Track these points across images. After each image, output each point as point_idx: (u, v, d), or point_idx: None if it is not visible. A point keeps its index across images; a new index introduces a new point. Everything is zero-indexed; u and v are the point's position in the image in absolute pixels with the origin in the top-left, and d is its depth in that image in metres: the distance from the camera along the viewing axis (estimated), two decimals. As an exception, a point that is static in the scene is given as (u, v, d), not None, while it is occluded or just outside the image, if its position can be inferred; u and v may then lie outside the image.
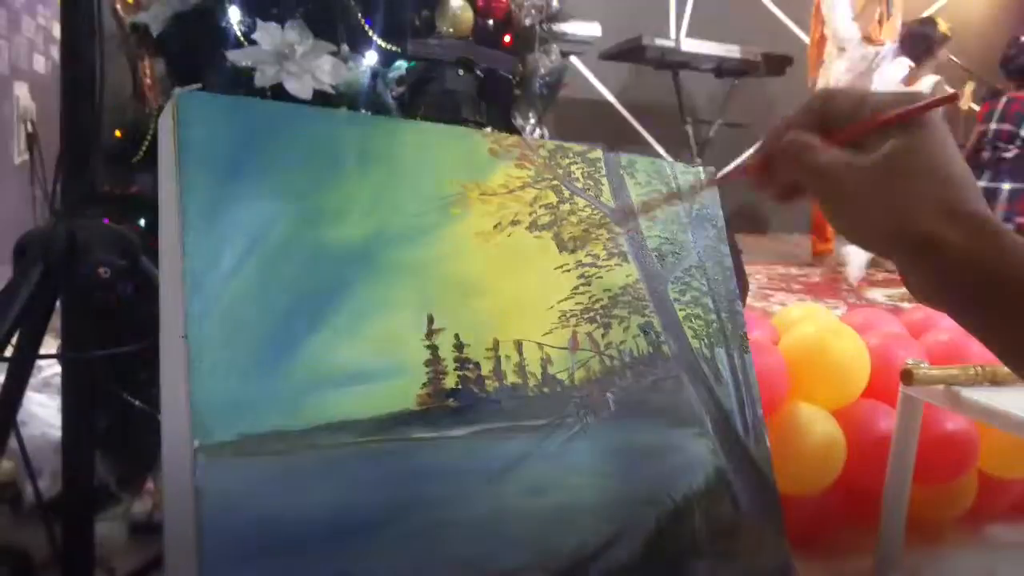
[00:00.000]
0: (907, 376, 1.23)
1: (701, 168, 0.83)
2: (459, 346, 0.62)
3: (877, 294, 3.81)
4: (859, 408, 1.48)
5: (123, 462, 1.56)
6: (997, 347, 0.46)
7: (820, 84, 4.15)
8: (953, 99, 0.49)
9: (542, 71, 1.76)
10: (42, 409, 1.61)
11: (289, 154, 0.57)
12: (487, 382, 0.62)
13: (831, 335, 1.49)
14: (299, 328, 0.55)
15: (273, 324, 0.54)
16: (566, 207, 0.72)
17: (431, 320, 0.61)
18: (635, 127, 5.43)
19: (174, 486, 0.50)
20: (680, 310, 0.77)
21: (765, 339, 1.52)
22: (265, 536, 0.49)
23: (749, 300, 3.15)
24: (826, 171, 0.48)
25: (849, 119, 0.49)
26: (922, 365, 1.23)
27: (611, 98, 5.38)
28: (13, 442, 1.07)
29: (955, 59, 4.37)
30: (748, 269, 2.91)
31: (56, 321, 1.01)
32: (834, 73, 4.01)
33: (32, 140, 2.56)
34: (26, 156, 2.52)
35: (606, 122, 5.29)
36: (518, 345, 0.65)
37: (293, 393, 0.53)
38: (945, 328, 1.61)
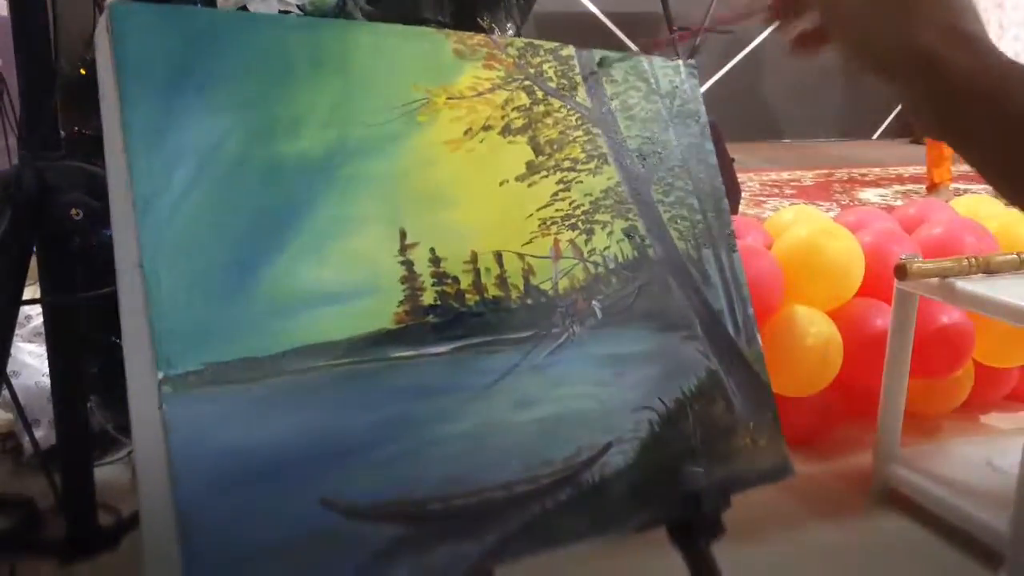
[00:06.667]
0: (901, 271, 1.22)
1: (681, 63, 0.79)
2: (435, 260, 0.59)
3: (870, 194, 3.79)
4: (855, 307, 1.47)
5: (121, 406, 1.55)
6: (993, 169, 0.47)
7: None
8: None
9: (517, -22, 1.68)
10: (34, 359, 1.60)
11: (236, 63, 0.53)
12: (467, 296, 0.60)
13: (824, 236, 1.47)
14: (260, 249, 0.52)
15: (232, 246, 0.51)
16: (540, 109, 0.68)
17: (404, 235, 0.58)
18: (620, 37, 5.28)
19: (141, 421, 0.49)
20: (664, 211, 0.74)
21: (758, 243, 1.50)
22: (240, 466, 0.48)
23: (742, 207, 3.12)
24: None
25: None
26: (916, 259, 1.22)
27: (594, 9, 5.22)
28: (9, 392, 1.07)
29: None
30: (740, 176, 2.87)
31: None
32: None
33: (-1, 86, 2.46)
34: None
35: (590, 34, 5.13)
36: (498, 256, 0.62)
37: (259, 317, 0.51)
38: (938, 221, 1.59)
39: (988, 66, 0.44)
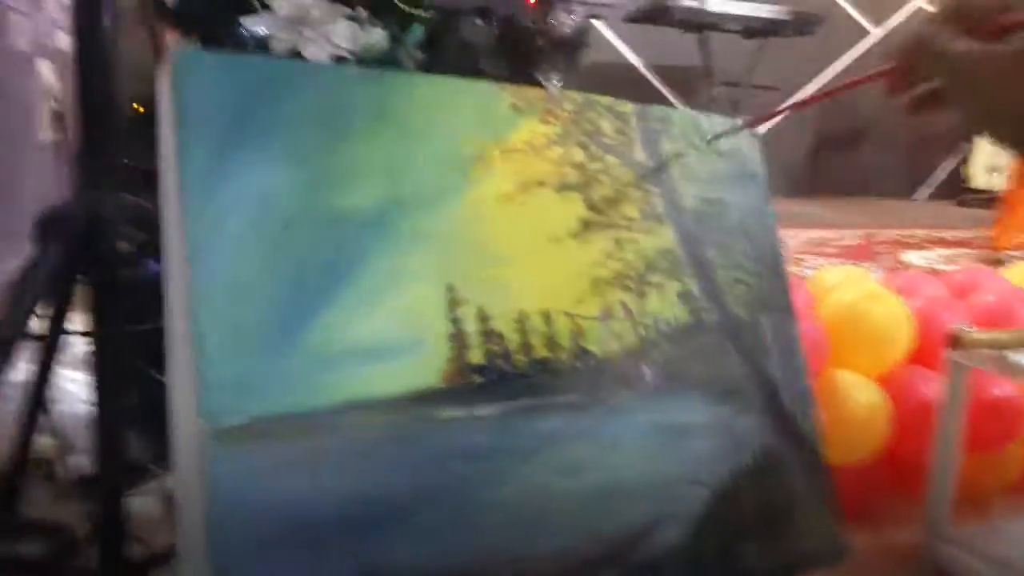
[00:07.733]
0: (955, 341, 1.18)
1: (739, 120, 0.78)
2: (483, 318, 0.58)
3: (913, 256, 3.71)
4: (903, 374, 1.42)
5: (157, 438, 1.55)
6: None
7: None
8: None
9: (565, 31, 1.70)
10: (75, 386, 1.62)
11: (295, 114, 0.53)
12: (515, 356, 0.58)
13: (871, 300, 1.43)
14: (312, 302, 0.51)
15: (284, 298, 0.50)
16: (596, 165, 0.67)
17: (453, 291, 0.57)
18: (662, 91, 5.32)
19: (184, 472, 0.48)
20: (720, 275, 0.72)
21: (801, 304, 1.47)
22: (280, 527, 0.46)
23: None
24: (961, 57, 0.48)
25: (989, 18, 0.49)
26: (969, 329, 1.18)
27: (637, 62, 5.27)
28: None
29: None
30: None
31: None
32: None
33: (58, 118, 2.56)
34: (51, 135, 2.53)
35: (632, 87, 5.18)
36: (546, 316, 0.61)
37: (307, 371, 0.50)
38: (990, 290, 1.55)
39: None
